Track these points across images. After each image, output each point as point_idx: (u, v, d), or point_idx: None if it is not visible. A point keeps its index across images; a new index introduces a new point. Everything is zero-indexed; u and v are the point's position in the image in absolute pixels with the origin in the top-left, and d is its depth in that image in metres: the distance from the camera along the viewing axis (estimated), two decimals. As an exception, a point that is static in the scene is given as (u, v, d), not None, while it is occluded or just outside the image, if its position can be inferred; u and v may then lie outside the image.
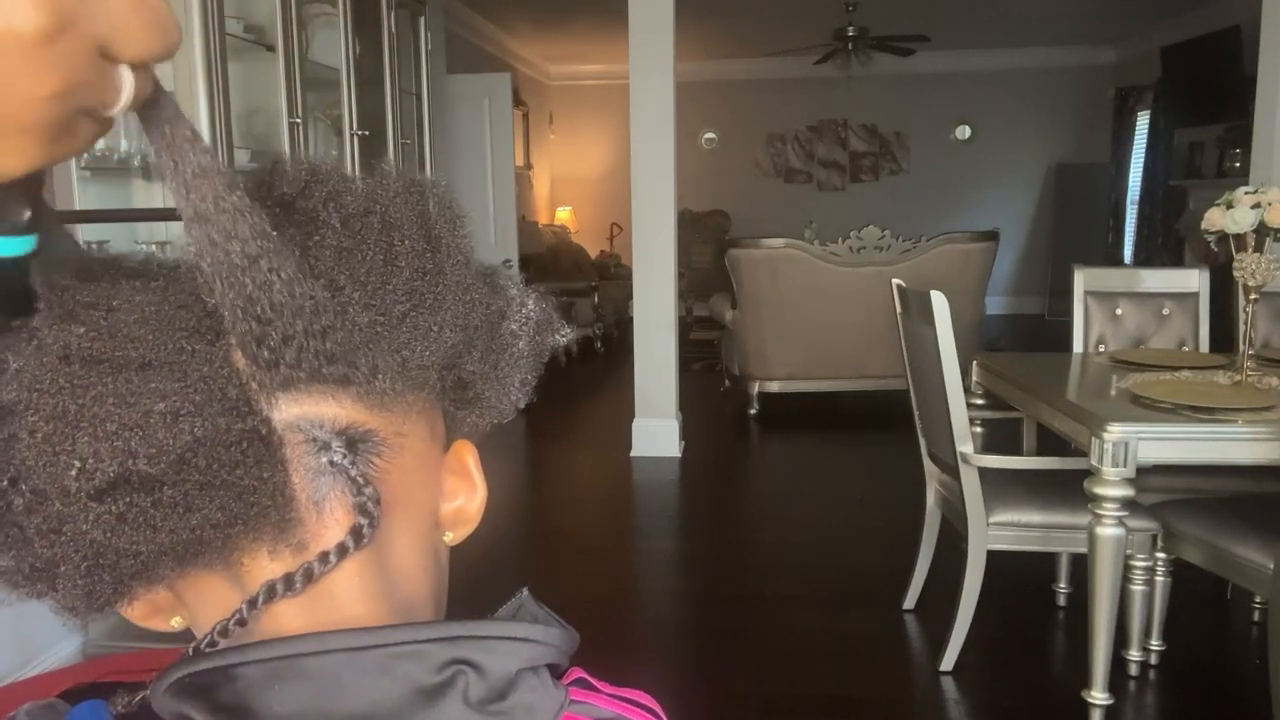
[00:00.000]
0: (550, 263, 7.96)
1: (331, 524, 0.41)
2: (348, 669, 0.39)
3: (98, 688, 0.45)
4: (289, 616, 0.41)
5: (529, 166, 8.98)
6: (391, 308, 0.41)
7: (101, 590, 0.39)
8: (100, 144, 2.35)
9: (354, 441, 0.41)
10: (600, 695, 0.46)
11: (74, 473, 0.36)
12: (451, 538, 0.49)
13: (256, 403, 0.38)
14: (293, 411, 0.39)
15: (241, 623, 0.40)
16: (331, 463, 0.40)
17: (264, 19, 2.59)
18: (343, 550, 0.40)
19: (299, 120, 2.62)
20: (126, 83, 0.33)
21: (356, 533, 0.41)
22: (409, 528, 0.45)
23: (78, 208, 2.35)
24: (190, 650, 0.41)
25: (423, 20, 3.66)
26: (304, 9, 2.79)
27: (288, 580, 0.40)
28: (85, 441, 0.36)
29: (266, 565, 0.41)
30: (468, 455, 0.50)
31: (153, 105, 0.36)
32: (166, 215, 2.37)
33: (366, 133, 3.08)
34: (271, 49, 2.57)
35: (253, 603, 0.40)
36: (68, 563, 0.38)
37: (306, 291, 0.38)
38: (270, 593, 0.40)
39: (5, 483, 0.37)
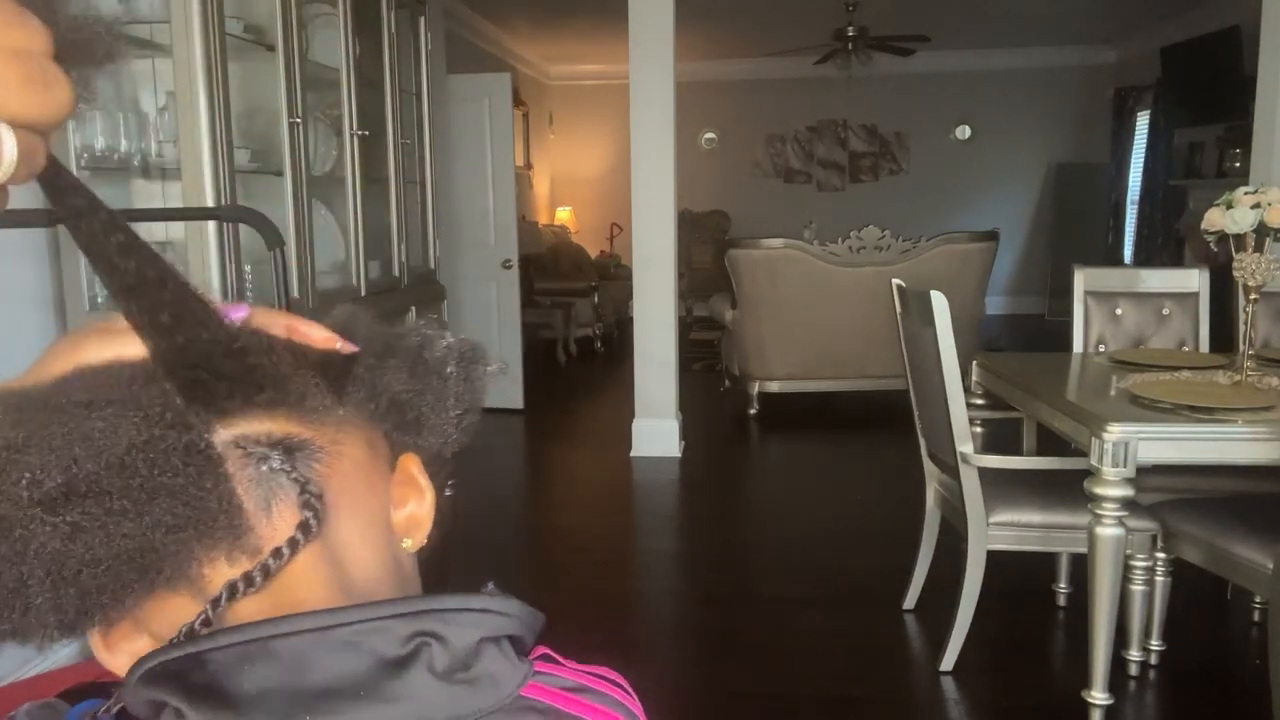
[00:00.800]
0: (550, 263, 7.96)
1: (281, 526, 0.43)
2: (315, 647, 0.40)
3: (98, 688, 0.45)
4: (252, 616, 0.42)
5: (529, 166, 8.98)
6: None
7: (67, 606, 0.40)
8: (100, 143, 2.36)
9: (291, 450, 0.43)
10: (565, 668, 0.47)
11: (24, 483, 0.38)
12: (410, 544, 0.51)
13: (193, 424, 0.41)
14: (230, 433, 0.42)
15: (207, 623, 0.42)
16: (272, 469, 0.43)
17: (264, 19, 2.59)
18: (294, 544, 0.42)
19: (299, 120, 2.61)
20: (4, 147, 0.31)
21: (304, 526, 0.42)
22: (359, 528, 0.47)
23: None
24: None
25: (423, 20, 3.66)
26: (304, 9, 2.78)
27: (247, 578, 0.42)
28: (34, 456, 0.38)
29: (227, 573, 0.42)
30: (410, 464, 0.52)
31: (54, 186, 0.37)
32: (168, 215, 2.37)
33: (366, 133, 3.08)
34: (271, 49, 2.57)
35: (215, 602, 0.41)
36: (33, 578, 0.39)
37: (233, 336, 0.42)
38: (231, 590, 0.41)
39: None
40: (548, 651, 0.48)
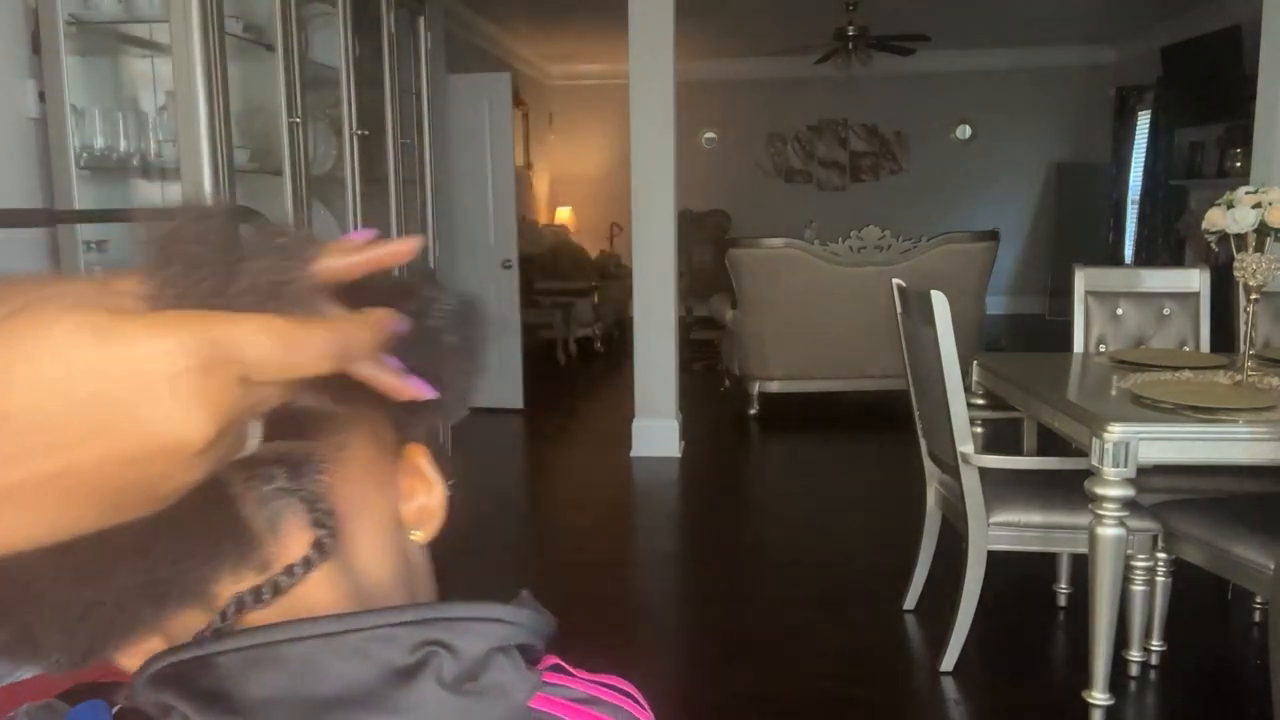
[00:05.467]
0: (550, 263, 7.95)
1: (290, 542, 0.42)
2: (323, 653, 0.40)
3: (98, 688, 0.45)
4: (264, 622, 0.42)
5: (529, 166, 8.98)
6: None
7: (79, 643, 0.39)
8: (100, 143, 2.35)
9: (297, 465, 0.42)
10: (575, 679, 0.47)
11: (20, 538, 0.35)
12: (421, 535, 0.50)
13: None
14: None
15: (218, 634, 0.41)
16: (278, 489, 0.41)
17: (264, 19, 2.59)
18: (307, 563, 0.41)
19: (299, 120, 2.61)
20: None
21: (319, 546, 0.42)
22: (370, 532, 0.46)
23: (77, 207, 2.35)
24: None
25: (422, 20, 3.66)
26: (304, 9, 2.78)
27: (256, 593, 0.41)
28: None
29: (235, 587, 0.41)
30: (419, 456, 0.50)
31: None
32: (165, 216, 2.36)
33: (366, 132, 3.08)
34: (271, 49, 2.57)
35: (223, 615, 0.41)
36: (40, 623, 0.38)
37: None
38: (239, 605, 0.41)
39: None
40: (558, 661, 0.47)
